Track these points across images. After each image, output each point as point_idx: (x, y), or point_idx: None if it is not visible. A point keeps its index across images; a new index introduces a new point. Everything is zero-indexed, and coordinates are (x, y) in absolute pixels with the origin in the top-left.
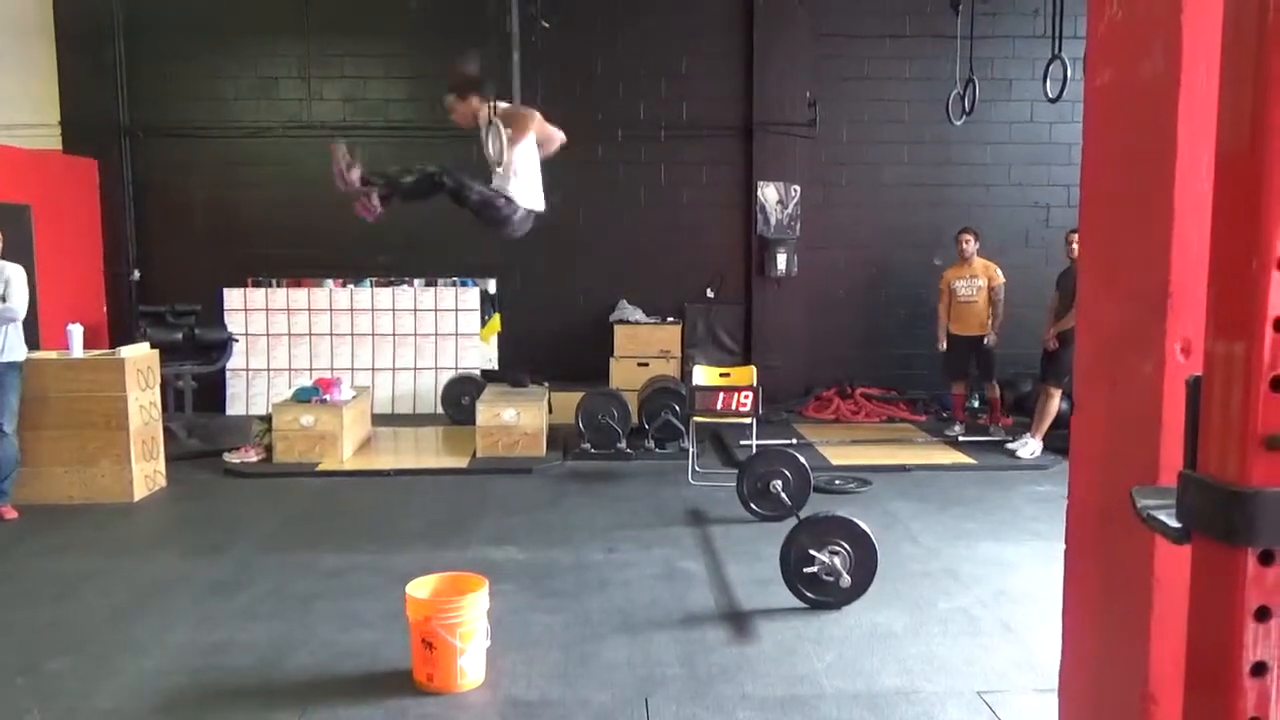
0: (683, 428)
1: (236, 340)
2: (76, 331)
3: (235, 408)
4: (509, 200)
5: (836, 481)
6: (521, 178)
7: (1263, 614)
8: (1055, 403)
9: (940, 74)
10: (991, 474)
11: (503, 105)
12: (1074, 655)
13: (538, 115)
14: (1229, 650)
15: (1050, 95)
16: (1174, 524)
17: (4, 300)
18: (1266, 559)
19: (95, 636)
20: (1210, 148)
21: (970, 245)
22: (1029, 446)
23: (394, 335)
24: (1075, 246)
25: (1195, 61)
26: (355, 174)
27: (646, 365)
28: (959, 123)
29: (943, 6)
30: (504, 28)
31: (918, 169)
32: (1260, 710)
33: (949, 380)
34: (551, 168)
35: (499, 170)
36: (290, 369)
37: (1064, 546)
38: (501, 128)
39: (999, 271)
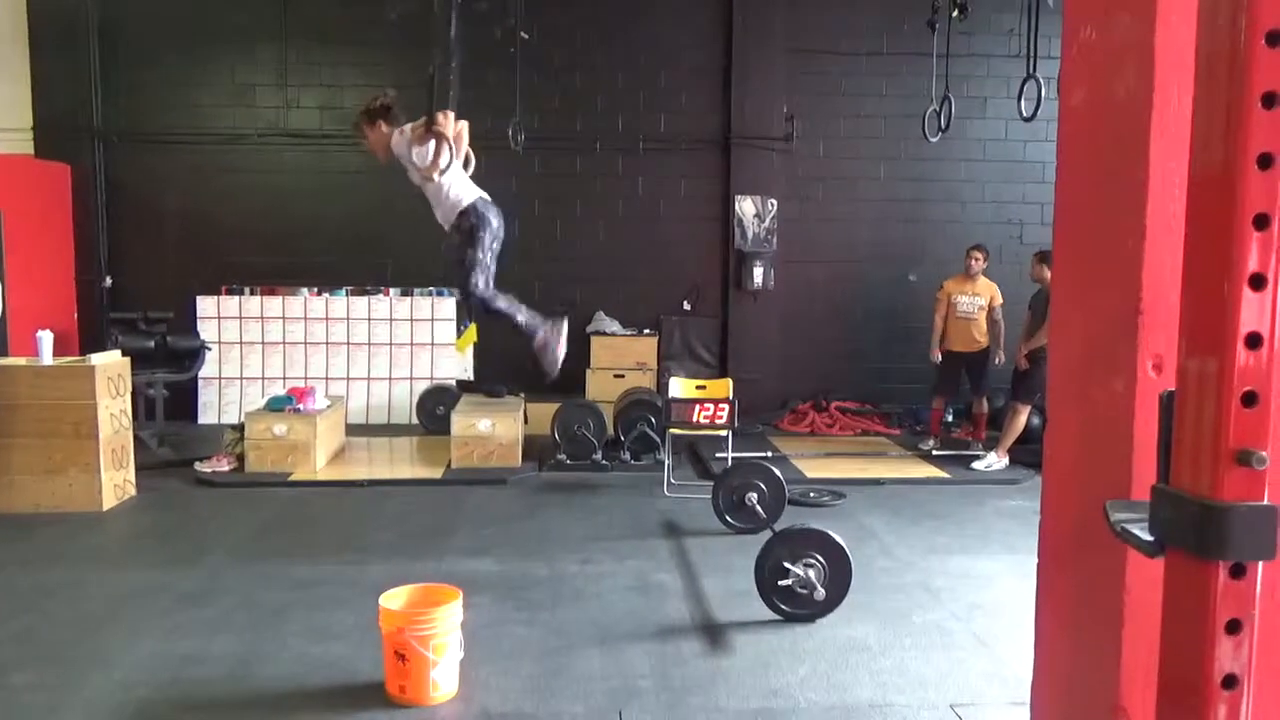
0: (658, 439)
1: (209, 348)
2: (46, 338)
3: (207, 416)
4: (471, 212)
5: (811, 494)
6: (455, 181)
7: (1234, 627)
8: (1022, 419)
9: (916, 91)
10: (964, 488)
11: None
12: (1046, 668)
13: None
14: (1201, 662)
15: (1025, 114)
16: (1147, 537)
17: None
18: (1238, 572)
19: (62, 649)
20: (1182, 167)
21: (979, 263)
22: (986, 460)
23: (369, 344)
24: (1039, 269)
25: (1168, 82)
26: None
27: (623, 377)
28: (934, 140)
29: (919, 25)
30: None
31: (894, 185)
32: None
33: (937, 394)
34: (530, 180)
35: (440, 180)
36: (264, 378)
37: (1036, 560)
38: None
39: (999, 291)
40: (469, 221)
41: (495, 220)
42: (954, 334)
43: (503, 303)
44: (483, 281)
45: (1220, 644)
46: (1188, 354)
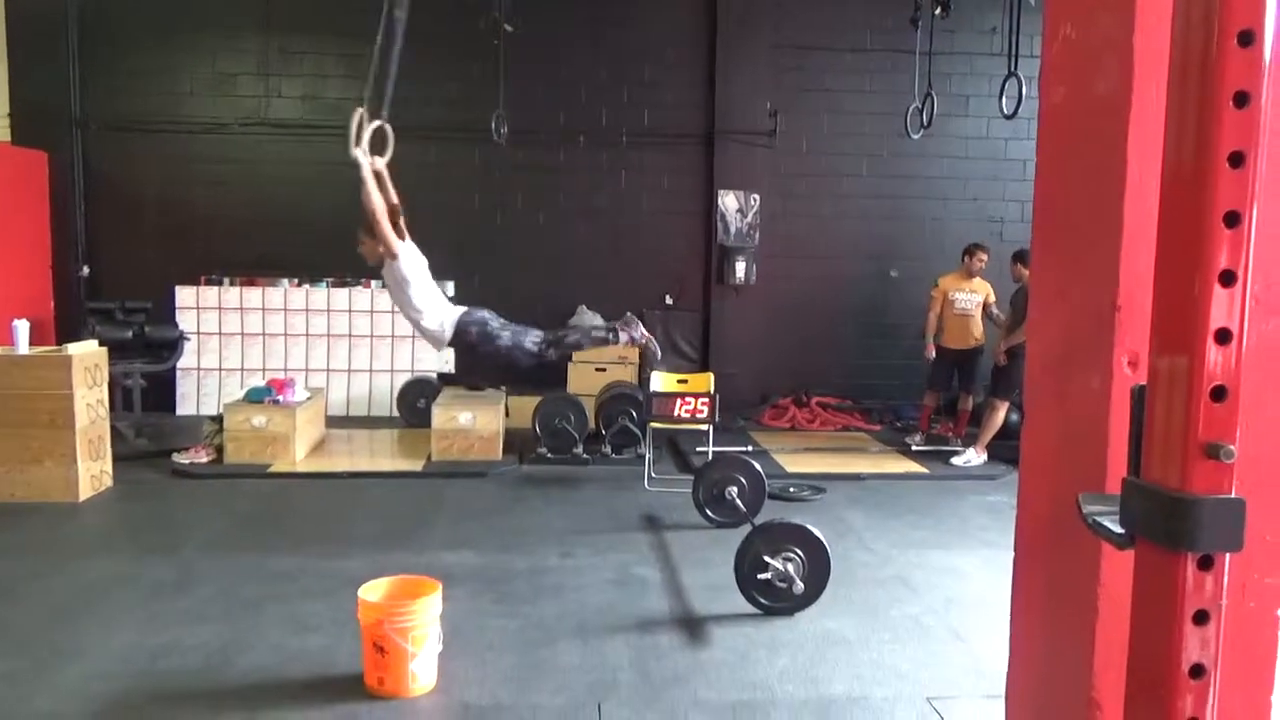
0: (639, 434)
1: (188, 339)
2: (22, 327)
3: (186, 407)
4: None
5: (791, 489)
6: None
7: (1201, 618)
8: (1000, 415)
9: (899, 88)
10: (943, 483)
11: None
12: (1021, 661)
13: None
14: (1169, 653)
15: (1006, 112)
16: (1118, 529)
17: None
18: (1206, 564)
19: (36, 639)
20: (1159, 166)
21: (983, 264)
22: (964, 456)
23: (350, 336)
24: (1017, 269)
25: (1146, 81)
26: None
27: (604, 371)
28: (917, 136)
29: (903, 22)
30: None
31: (876, 181)
32: (1198, 712)
33: (930, 390)
34: (512, 172)
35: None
36: (243, 369)
37: (1013, 555)
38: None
39: (992, 289)
40: (471, 335)
41: (481, 313)
42: (951, 331)
43: (552, 337)
44: (536, 342)
45: (1188, 635)
46: (1159, 348)
